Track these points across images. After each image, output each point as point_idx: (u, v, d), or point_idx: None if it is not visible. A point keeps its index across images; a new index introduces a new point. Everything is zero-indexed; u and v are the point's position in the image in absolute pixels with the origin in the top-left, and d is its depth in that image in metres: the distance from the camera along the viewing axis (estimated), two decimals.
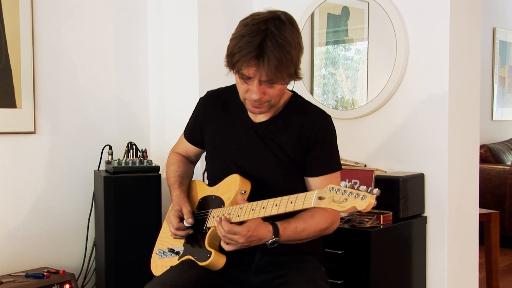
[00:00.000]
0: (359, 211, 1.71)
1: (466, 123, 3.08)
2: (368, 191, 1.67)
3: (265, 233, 1.97)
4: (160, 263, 2.28)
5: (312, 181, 2.15)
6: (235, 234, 1.93)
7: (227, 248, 1.98)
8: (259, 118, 2.18)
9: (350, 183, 1.72)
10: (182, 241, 2.23)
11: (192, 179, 2.44)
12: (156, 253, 2.33)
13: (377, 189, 1.69)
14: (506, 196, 5.57)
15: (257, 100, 2.01)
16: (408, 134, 3.01)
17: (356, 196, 1.67)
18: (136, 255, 2.86)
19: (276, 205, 1.91)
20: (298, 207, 1.85)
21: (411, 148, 3.00)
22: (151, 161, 3.06)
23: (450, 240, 2.93)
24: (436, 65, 2.91)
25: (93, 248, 3.18)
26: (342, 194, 1.70)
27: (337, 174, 2.18)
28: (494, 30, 6.80)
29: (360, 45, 3.45)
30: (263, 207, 1.94)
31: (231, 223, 1.97)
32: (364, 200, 1.65)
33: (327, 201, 1.74)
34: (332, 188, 1.74)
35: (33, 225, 3.05)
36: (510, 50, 7.18)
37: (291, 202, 1.87)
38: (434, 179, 2.93)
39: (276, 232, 1.98)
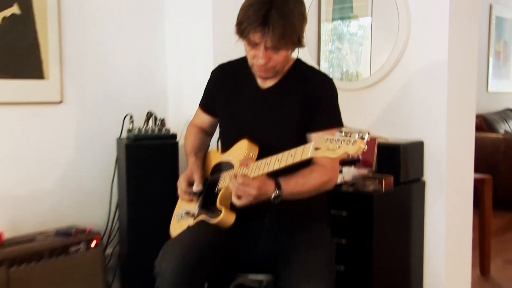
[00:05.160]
0: (352, 156, 1.71)
1: (464, 94, 3.04)
2: (359, 136, 1.67)
3: (270, 187, 1.96)
4: (178, 225, 2.28)
5: (312, 136, 2.13)
6: (248, 185, 1.92)
7: (238, 203, 1.97)
8: (266, 84, 2.20)
9: (343, 133, 1.71)
10: (197, 203, 2.24)
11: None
12: (175, 216, 2.34)
13: (368, 134, 1.69)
14: (499, 162, 5.58)
15: (263, 65, 2.04)
16: (408, 104, 2.98)
17: (348, 142, 1.68)
18: (155, 215, 2.86)
19: (278, 160, 1.90)
20: (297, 159, 1.84)
21: (411, 117, 2.98)
22: (169, 129, 3.05)
23: (447, 203, 2.92)
24: (436, 39, 2.87)
25: (116, 209, 3.20)
26: (336, 142, 1.70)
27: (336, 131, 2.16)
28: (490, 7, 6.72)
29: (364, 20, 3.41)
30: (267, 164, 1.94)
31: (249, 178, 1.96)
32: (354, 145, 1.66)
33: (323, 150, 1.73)
34: (327, 138, 1.73)
35: (62, 188, 3.07)
36: (506, 25, 7.10)
37: (291, 156, 1.86)
38: (432, 146, 2.91)
39: (278, 186, 1.96)
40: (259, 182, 1.93)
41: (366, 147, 1.68)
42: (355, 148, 1.66)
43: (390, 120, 3.06)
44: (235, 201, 1.98)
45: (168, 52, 3.51)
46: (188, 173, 2.26)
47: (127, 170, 2.92)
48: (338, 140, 1.70)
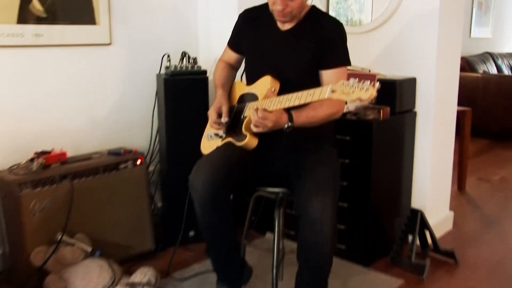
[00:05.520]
0: (363, 100, 1.67)
1: (451, 39, 2.93)
2: (371, 84, 1.64)
3: (284, 119, 1.92)
4: (208, 144, 2.26)
5: (324, 73, 2.06)
6: (266, 119, 1.89)
7: (255, 130, 1.95)
8: (285, 27, 2.12)
9: (357, 79, 1.67)
10: (225, 127, 2.20)
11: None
12: (205, 136, 2.31)
13: (378, 83, 1.66)
14: (477, 98, 5.54)
15: (281, 10, 1.98)
16: (404, 46, 2.89)
17: (361, 89, 1.64)
18: (188, 138, 2.84)
19: (298, 98, 1.85)
20: (315, 98, 1.79)
21: (406, 57, 2.89)
22: (200, 66, 2.98)
23: (433, 130, 2.88)
24: None
25: (157, 134, 3.18)
26: (351, 87, 1.66)
27: (345, 69, 2.09)
28: None
29: None
30: (288, 100, 1.88)
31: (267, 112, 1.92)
32: (367, 91, 1.63)
33: (338, 93, 1.69)
34: (343, 83, 1.68)
35: (112, 115, 3.05)
36: None
37: (310, 95, 1.80)
38: (424, 82, 2.83)
39: (290, 119, 1.92)
40: (275, 116, 1.90)
41: (376, 94, 1.65)
42: (368, 94, 1.63)
43: (388, 60, 2.97)
44: (253, 128, 1.95)
45: (199, 1, 3.40)
46: (217, 105, 2.20)
47: (165, 101, 2.88)
48: (352, 85, 1.66)
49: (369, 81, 1.65)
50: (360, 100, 1.65)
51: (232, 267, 2.21)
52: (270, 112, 1.90)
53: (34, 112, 2.71)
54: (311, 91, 1.80)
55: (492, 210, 3.57)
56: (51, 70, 2.75)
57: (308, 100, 1.82)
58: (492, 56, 6.64)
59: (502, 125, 5.51)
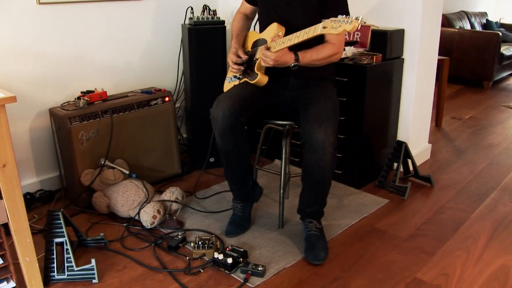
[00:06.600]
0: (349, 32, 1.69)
1: None
2: (355, 18, 1.60)
3: (289, 58, 1.88)
4: (228, 86, 2.21)
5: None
6: (267, 56, 1.88)
7: (263, 64, 1.93)
8: None
9: (344, 15, 1.64)
10: (241, 70, 2.14)
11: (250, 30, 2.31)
12: (226, 79, 2.25)
13: (361, 16, 1.61)
14: (454, 49, 5.40)
15: None
16: (395, 2, 2.73)
17: (346, 22, 1.61)
18: (208, 79, 2.79)
19: (297, 36, 1.81)
20: (310, 35, 1.76)
21: (396, 11, 2.74)
22: (219, 17, 2.85)
23: (418, 75, 2.78)
24: None
25: (182, 76, 3.11)
26: (338, 22, 1.63)
27: None
28: None
29: None
30: (289, 39, 1.84)
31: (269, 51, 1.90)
32: (351, 24, 1.59)
33: (329, 28, 1.66)
34: (332, 19, 1.66)
35: (144, 61, 2.96)
36: None
37: (306, 33, 1.77)
38: (411, 33, 2.71)
39: (296, 59, 1.88)
40: (276, 55, 1.86)
41: (360, 26, 1.60)
42: (351, 26, 1.59)
43: (381, 13, 2.83)
44: (262, 63, 1.93)
45: None
46: (233, 50, 2.14)
47: (189, 47, 2.78)
48: (339, 20, 1.63)
49: (354, 16, 1.60)
50: (346, 31, 1.62)
51: (246, 187, 2.21)
52: (272, 51, 1.88)
53: (79, 58, 2.65)
54: (307, 29, 1.77)
55: (462, 143, 3.53)
56: (93, 22, 2.66)
57: (305, 37, 1.78)
58: (467, 14, 6.41)
59: (473, 73, 5.40)
